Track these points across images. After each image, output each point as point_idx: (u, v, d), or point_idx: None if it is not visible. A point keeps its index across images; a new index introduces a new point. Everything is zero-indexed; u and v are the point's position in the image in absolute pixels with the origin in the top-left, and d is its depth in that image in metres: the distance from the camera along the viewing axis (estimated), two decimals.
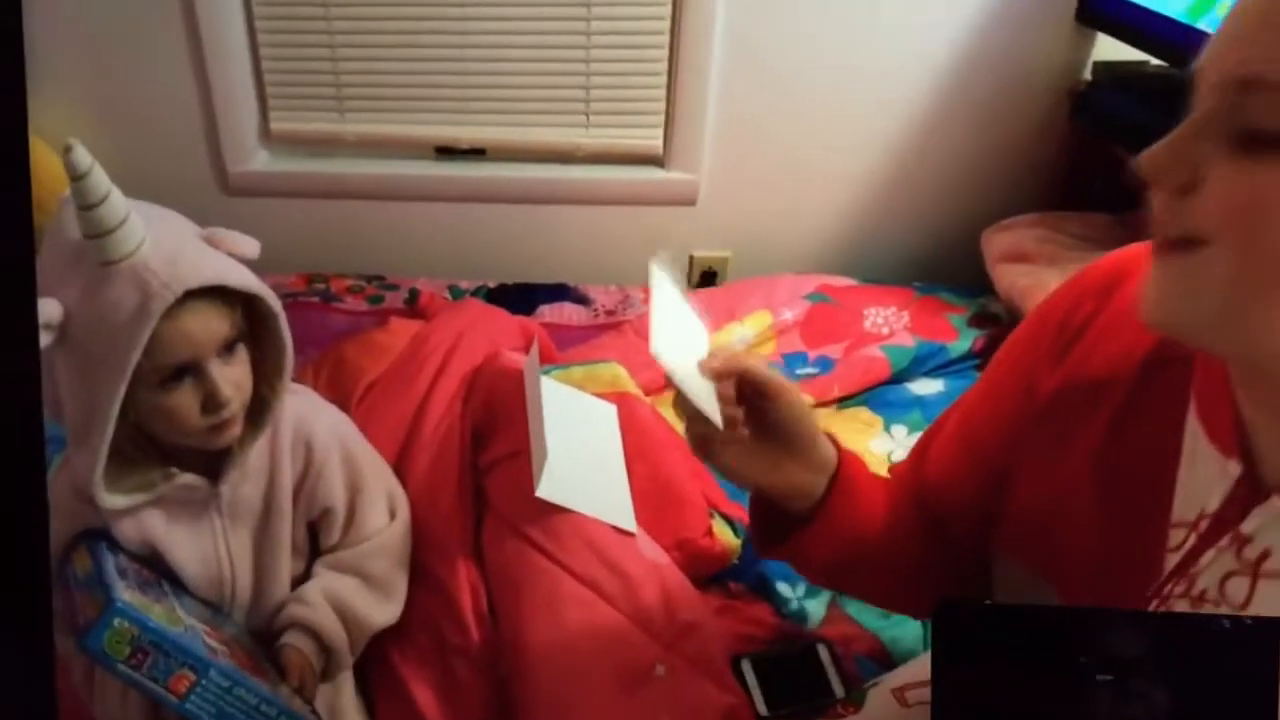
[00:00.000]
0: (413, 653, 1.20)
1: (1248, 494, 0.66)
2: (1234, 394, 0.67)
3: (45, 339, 0.91)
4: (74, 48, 2.00)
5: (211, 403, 0.99)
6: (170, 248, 0.94)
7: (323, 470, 1.15)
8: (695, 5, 1.92)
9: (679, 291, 0.86)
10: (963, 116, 2.05)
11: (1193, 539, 0.68)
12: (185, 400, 0.98)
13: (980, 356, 1.82)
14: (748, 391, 0.83)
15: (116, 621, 0.93)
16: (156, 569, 1.08)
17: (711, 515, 1.35)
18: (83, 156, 0.88)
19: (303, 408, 1.16)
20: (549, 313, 1.95)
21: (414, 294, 1.99)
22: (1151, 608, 0.69)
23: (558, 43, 1.99)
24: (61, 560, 1.06)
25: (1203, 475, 0.69)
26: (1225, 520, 0.67)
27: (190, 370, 0.98)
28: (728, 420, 0.81)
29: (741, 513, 1.37)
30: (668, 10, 1.96)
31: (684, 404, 0.81)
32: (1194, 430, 0.70)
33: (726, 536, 1.33)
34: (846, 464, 0.89)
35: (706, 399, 0.79)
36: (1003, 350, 0.91)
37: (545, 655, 1.14)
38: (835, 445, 0.90)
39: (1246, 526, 0.66)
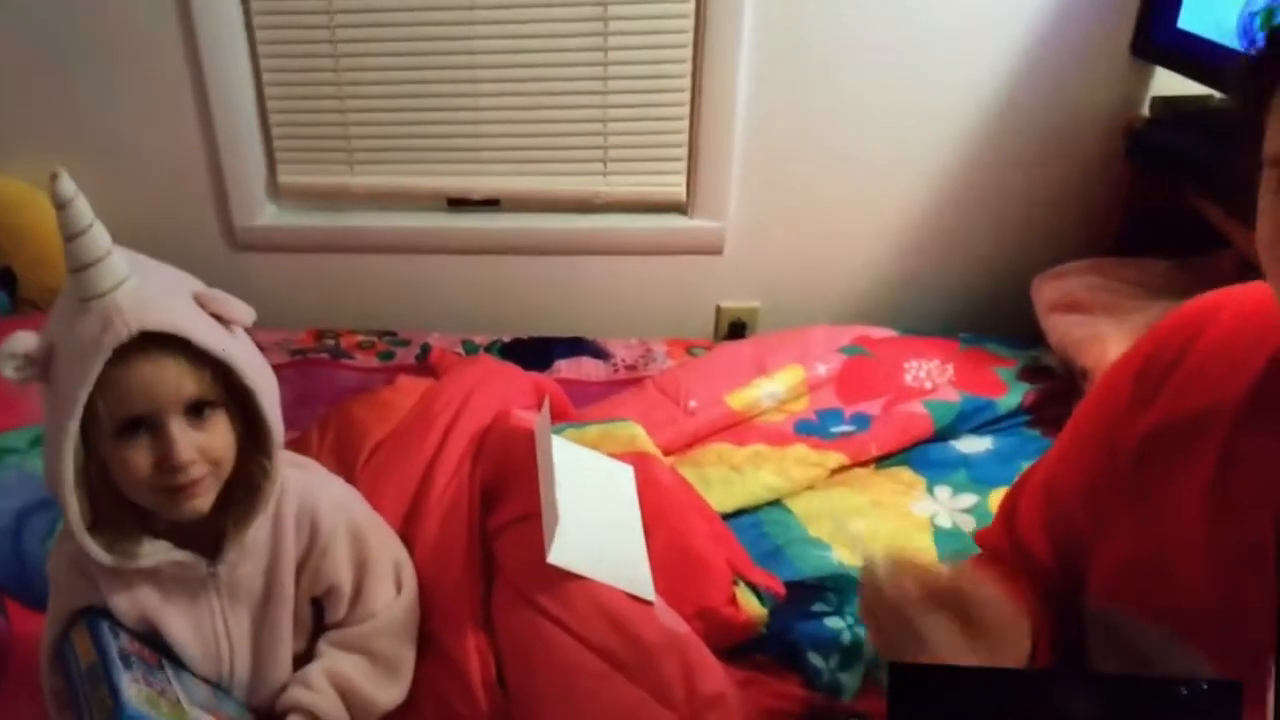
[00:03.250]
0: None
1: None
2: None
3: (11, 369, 0.97)
4: (82, 103, 2.09)
5: (166, 462, 0.98)
6: (149, 295, 0.97)
7: (328, 549, 1.17)
8: (718, 46, 1.96)
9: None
10: (1010, 157, 2.07)
11: None
12: (139, 455, 0.99)
13: (1031, 412, 1.80)
14: None
15: None
16: (155, 646, 1.10)
17: (736, 583, 1.34)
18: (66, 185, 0.93)
19: (308, 484, 1.18)
20: (565, 368, 1.97)
21: (425, 349, 2.02)
22: None
23: (573, 88, 2.04)
24: (60, 636, 1.08)
25: None
26: None
27: (147, 424, 0.98)
28: None
29: (769, 580, 1.36)
30: (688, 53, 2.00)
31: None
32: None
33: (752, 606, 1.32)
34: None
35: None
36: (1080, 408, 0.96)
37: None
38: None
39: None
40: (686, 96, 2.04)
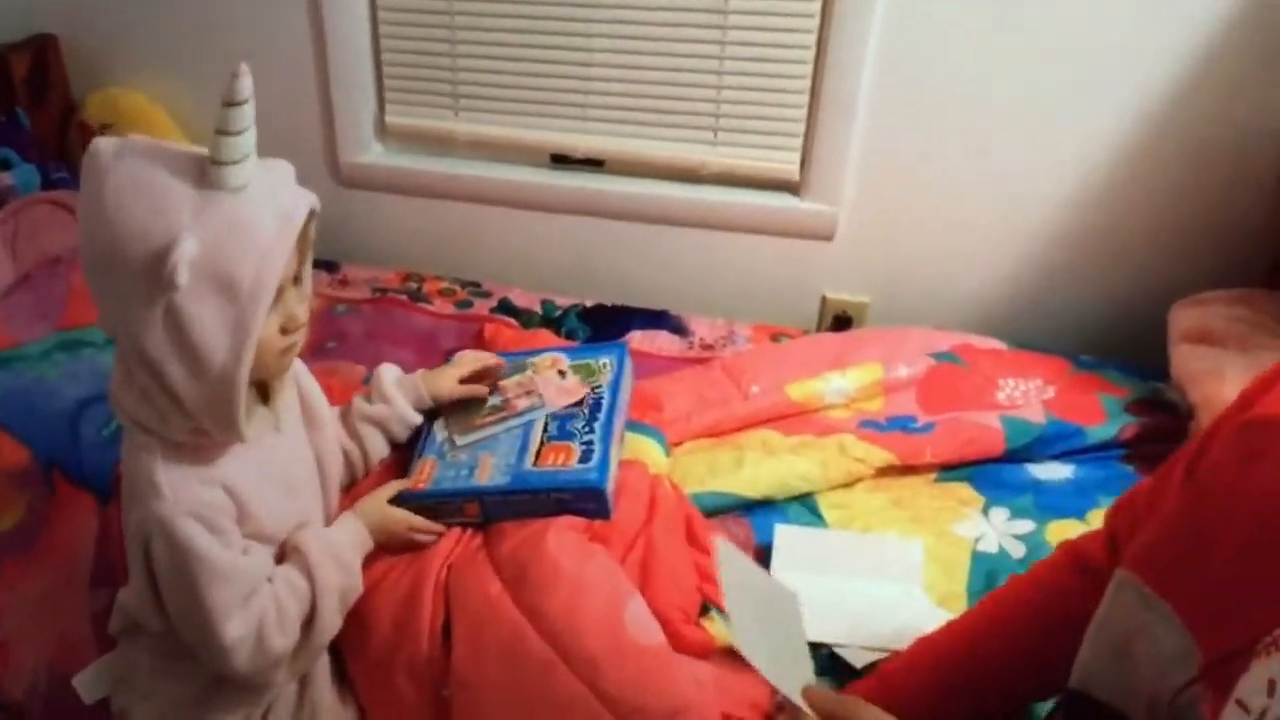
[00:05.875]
0: (362, 654, 1.29)
1: None
2: None
3: (187, 276, 1.00)
4: (202, 30, 2.28)
5: (291, 323, 1.14)
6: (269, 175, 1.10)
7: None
8: (847, 15, 1.93)
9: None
10: (1160, 170, 1.95)
11: None
12: (270, 326, 1.11)
13: (1129, 446, 1.70)
14: None
15: None
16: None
17: (705, 610, 1.34)
18: (245, 85, 1.02)
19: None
20: (640, 339, 1.99)
21: (505, 303, 2.09)
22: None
23: (688, 51, 2.06)
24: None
25: None
26: None
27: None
28: None
29: None
30: (815, 22, 1.97)
31: None
32: None
33: (720, 632, 1.31)
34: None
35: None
36: None
37: (491, 704, 1.21)
38: None
39: None
40: (809, 69, 2.01)
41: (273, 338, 1.12)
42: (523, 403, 1.50)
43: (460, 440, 1.45)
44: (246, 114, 1.02)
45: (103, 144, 1.05)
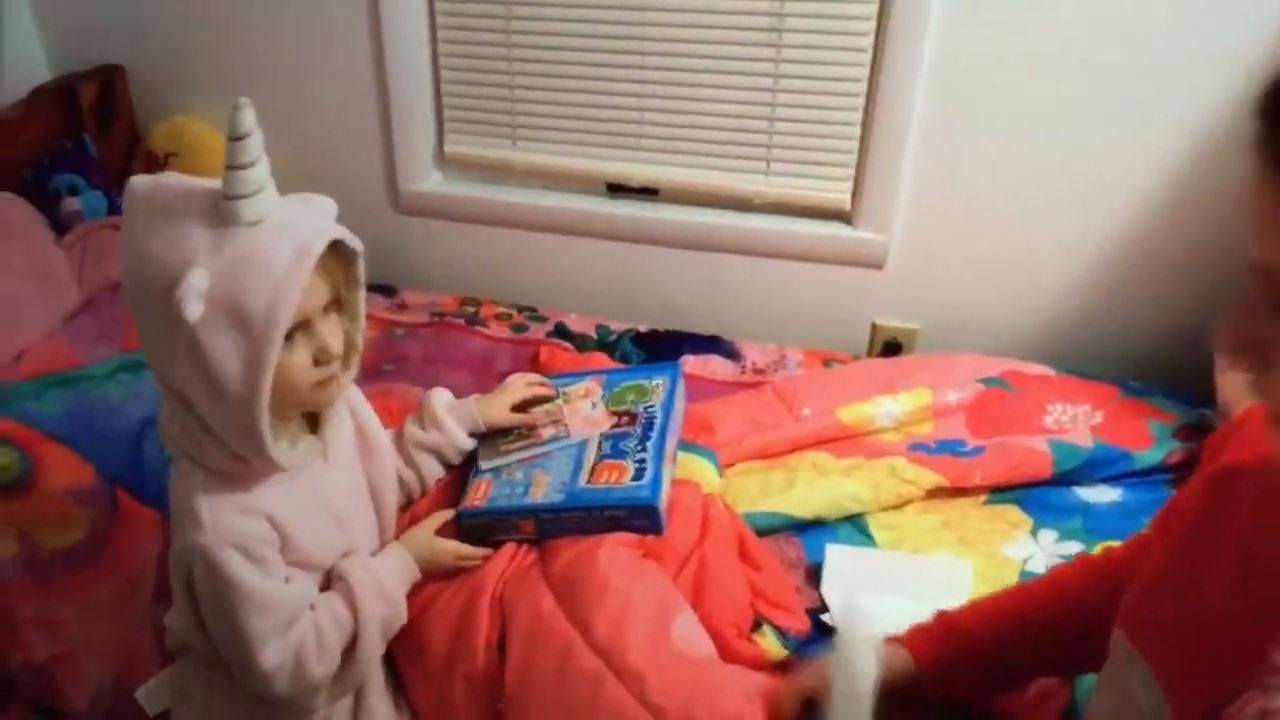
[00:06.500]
0: (418, 666, 1.33)
1: None
2: None
3: (197, 311, 1.02)
4: (266, 62, 2.36)
5: (323, 355, 1.13)
6: (301, 209, 1.12)
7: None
8: (899, 48, 1.97)
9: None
10: (1208, 199, 1.96)
11: None
12: (301, 355, 1.12)
13: (1176, 471, 1.72)
14: None
15: None
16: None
17: (758, 626, 1.38)
18: (247, 119, 1.04)
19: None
20: (692, 363, 2.03)
21: (560, 328, 2.15)
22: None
23: (742, 83, 2.10)
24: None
25: None
26: None
27: (300, 327, 1.11)
28: None
29: (790, 621, 1.40)
30: (867, 56, 2.01)
31: None
32: None
33: (771, 646, 1.36)
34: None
35: None
36: None
37: (543, 717, 1.24)
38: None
39: None
40: (861, 101, 2.05)
41: (303, 369, 1.12)
42: (547, 432, 1.55)
43: (485, 465, 1.50)
44: (251, 147, 1.04)
45: (136, 183, 1.08)
